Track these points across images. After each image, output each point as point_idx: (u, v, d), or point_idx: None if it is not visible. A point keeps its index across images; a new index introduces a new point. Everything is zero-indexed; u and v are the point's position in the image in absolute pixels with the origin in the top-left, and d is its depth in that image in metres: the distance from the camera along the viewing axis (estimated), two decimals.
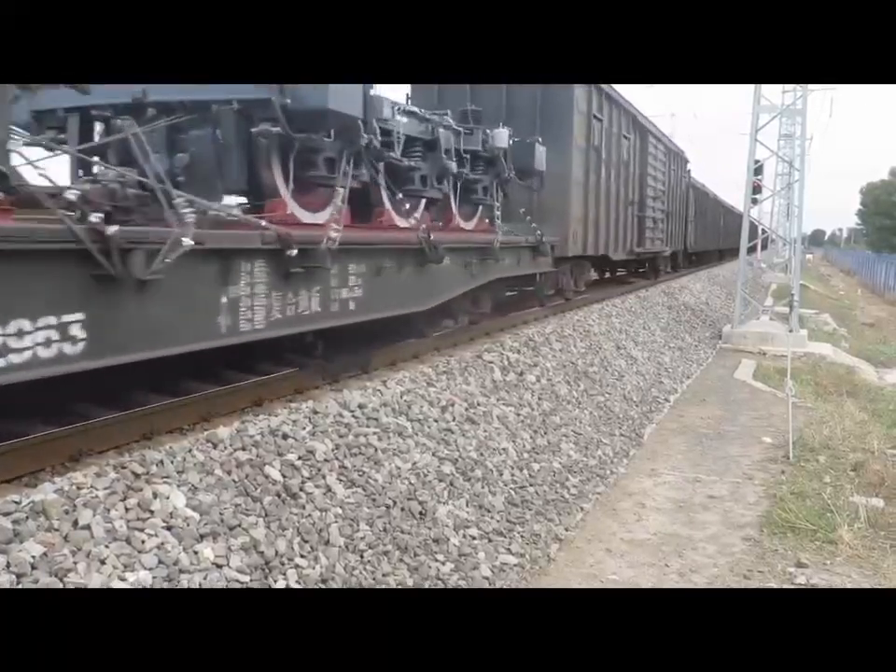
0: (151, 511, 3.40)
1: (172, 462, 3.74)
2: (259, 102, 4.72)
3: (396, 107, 6.50)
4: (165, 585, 3.15)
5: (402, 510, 4.77)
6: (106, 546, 3.10)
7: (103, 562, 3.04)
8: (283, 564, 3.74)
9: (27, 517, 3.01)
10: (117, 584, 3.00)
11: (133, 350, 3.72)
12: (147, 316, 3.74)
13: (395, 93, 7.05)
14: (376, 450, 5.01)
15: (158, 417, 4.44)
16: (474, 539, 5.09)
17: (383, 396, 5.62)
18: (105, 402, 4.48)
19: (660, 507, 6.74)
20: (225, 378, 5.34)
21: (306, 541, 3.96)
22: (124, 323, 3.62)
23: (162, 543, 3.29)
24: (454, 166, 7.42)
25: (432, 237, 6.50)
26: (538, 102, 10.98)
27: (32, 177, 3.59)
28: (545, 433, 7.21)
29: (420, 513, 4.86)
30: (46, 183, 3.65)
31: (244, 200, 5.70)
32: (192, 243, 3.72)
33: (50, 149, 4.32)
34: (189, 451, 3.89)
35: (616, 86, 14.14)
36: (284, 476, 4.19)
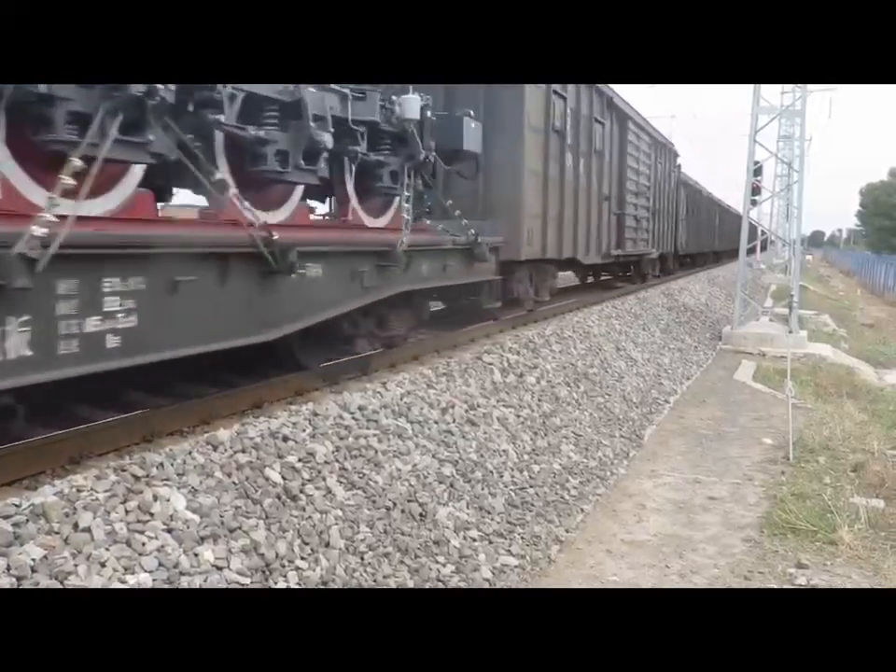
0: (151, 514, 3.39)
1: (172, 464, 3.73)
2: None
3: None
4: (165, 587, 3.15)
5: (403, 511, 4.76)
6: (107, 549, 3.10)
7: (103, 564, 3.03)
8: (283, 566, 3.73)
9: (27, 520, 3.00)
10: (117, 587, 3.00)
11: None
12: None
13: None
14: (376, 452, 5.01)
15: (158, 420, 4.44)
16: (475, 540, 5.08)
17: (383, 398, 5.62)
18: (105, 405, 4.48)
19: (660, 508, 6.74)
20: (224, 381, 5.35)
21: (307, 543, 3.96)
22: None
23: (163, 546, 3.29)
24: (328, 139, 5.35)
25: (276, 237, 4.67)
26: None
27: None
28: (545, 435, 7.20)
29: (420, 515, 4.86)
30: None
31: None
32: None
33: None
34: (190, 453, 3.88)
35: (615, 86, 13.58)
36: (284, 478, 4.19)
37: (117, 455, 3.91)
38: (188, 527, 3.46)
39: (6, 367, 3.18)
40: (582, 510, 6.45)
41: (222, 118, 4.53)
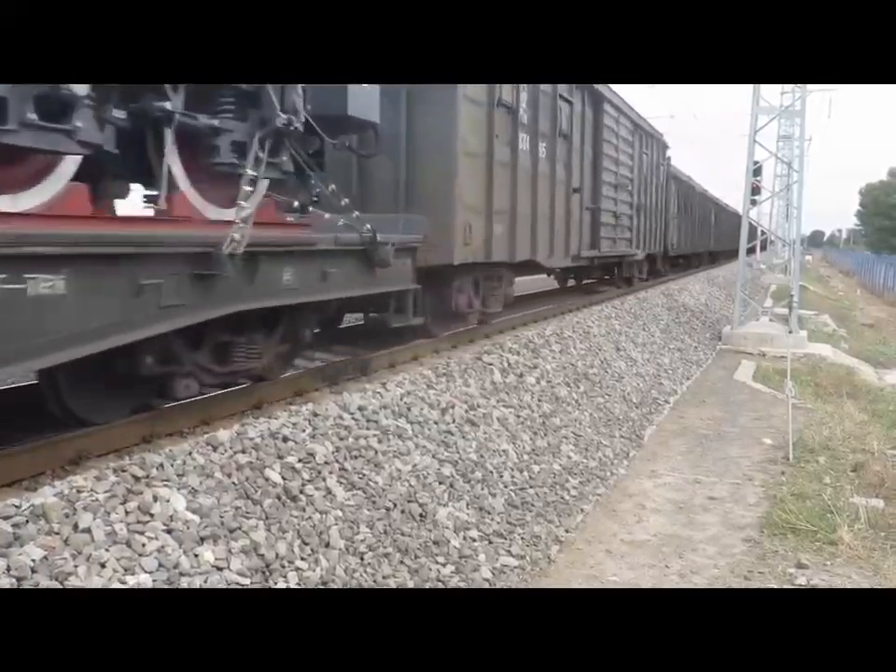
0: (151, 515, 3.39)
1: (172, 465, 3.73)
2: None
3: None
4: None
5: (402, 512, 4.77)
6: (107, 549, 3.10)
7: (103, 565, 3.03)
8: (283, 566, 3.73)
9: (27, 521, 3.00)
10: (117, 587, 3.00)
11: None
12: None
13: None
14: (376, 452, 5.01)
15: (157, 420, 4.44)
16: (474, 540, 5.08)
17: (382, 398, 5.62)
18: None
19: (660, 508, 6.74)
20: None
21: (307, 544, 3.96)
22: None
23: (163, 546, 3.29)
24: (83, 89, 3.39)
25: None
26: None
27: None
28: (545, 435, 7.20)
29: (420, 515, 4.86)
30: None
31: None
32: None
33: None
34: (189, 454, 3.88)
35: (614, 86, 13.02)
36: (284, 479, 4.19)
37: (116, 456, 3.91)
38: (188, 528, 3.46)
39: None
40: (582, 510, 6.45)
41: None
